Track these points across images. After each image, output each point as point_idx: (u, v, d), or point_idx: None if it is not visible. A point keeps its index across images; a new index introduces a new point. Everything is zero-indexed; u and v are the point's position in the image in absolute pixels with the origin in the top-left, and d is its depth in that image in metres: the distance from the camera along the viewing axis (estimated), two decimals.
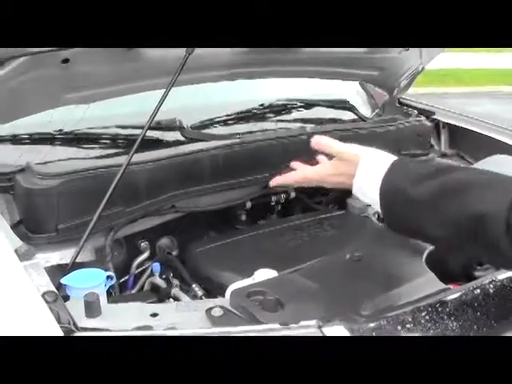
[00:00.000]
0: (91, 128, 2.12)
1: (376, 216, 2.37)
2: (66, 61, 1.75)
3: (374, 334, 1.23)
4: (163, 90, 1.77)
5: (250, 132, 2.30)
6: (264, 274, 1.56)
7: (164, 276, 1.86)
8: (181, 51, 1.77)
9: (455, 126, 2.60)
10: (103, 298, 1.40)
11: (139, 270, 1.90)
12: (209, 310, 1.33)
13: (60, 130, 2.05)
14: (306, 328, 1.19)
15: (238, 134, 2.22)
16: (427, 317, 1.30)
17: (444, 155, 2.59)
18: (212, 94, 2.43)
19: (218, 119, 2.35)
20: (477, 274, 1.62)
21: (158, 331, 1.25)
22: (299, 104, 2.59)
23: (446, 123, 2.62)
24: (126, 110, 2.21)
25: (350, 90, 2.83)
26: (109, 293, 1.59)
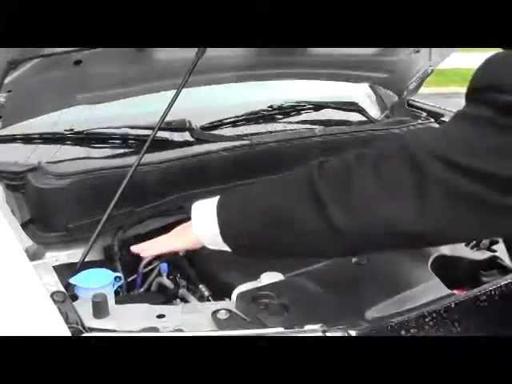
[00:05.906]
0: (102, 128, 2.13)
1: None
2: (78, 62, 1.77)
3: None
4: (172, 92, 1.78)
5: (259, 133, 2.31)
6: (270, 277, 1.57)
7: (171, 276, 1.87)
8: (190, 53, 1.78)
9: None
10: (111, 299, 1.42)
11: (147, 269, 1.91)
12: (215, 313, 1.34)
13: (71, 130, 2.07)
14: (311, 333, 1.20)
15: (247, 135, 2.24)
16: (431, 322, 1.31)
17: None
18: (221, 96, 2.45)
19: (227, 120, 2.37)
20: (483, 279, 1.62)
21: (164, 333, 1.26)
22: (308, 106, 2.60)
23: None
24: (136, 110, 2.23)
25: (360, 92, 2.84)
26: (116, 292, 1.60)
